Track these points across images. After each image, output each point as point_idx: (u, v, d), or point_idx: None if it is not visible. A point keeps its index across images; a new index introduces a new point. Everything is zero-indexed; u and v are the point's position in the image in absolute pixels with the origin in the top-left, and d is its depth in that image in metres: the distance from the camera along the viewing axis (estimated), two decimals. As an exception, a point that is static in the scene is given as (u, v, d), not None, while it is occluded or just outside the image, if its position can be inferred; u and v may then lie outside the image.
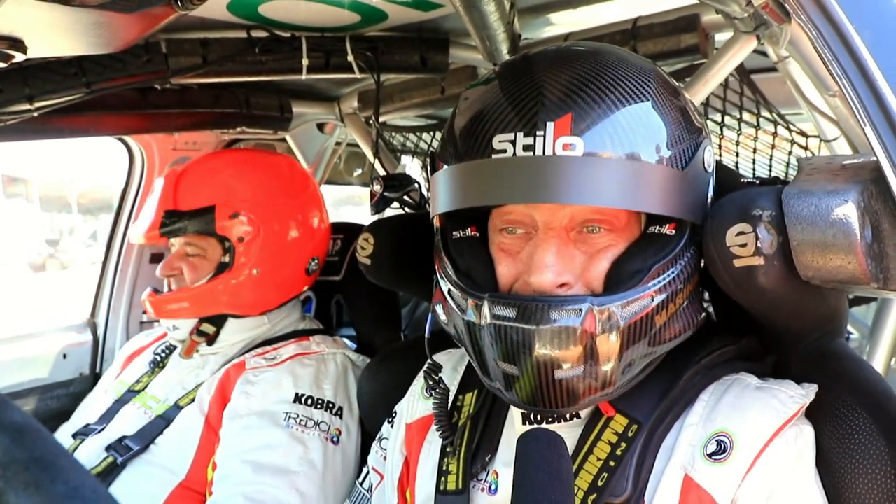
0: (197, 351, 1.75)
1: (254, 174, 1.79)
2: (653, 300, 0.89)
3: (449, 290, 0.98)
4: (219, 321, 1.73)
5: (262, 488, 1.40)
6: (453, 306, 0.97)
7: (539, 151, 0.84)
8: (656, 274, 0.89)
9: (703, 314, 0.98)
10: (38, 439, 0.42)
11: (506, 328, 0.87)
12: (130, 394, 1.74)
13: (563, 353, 0.86)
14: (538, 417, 1.00)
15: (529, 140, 0.85)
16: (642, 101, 0.89)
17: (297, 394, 1.56)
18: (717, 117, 1.96)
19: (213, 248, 1.70)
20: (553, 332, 0.85)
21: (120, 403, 1.72)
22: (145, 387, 1.74)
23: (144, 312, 1.79)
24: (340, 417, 1.58)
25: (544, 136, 0.84)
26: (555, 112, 0.85)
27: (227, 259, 1.70)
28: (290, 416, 1.51)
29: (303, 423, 1.52)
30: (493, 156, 0.87)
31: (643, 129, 0.88)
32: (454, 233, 1.01)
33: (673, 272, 0.91)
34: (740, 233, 0.87)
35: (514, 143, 0.86)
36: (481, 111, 0.92)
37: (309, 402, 1.56)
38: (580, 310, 0.85)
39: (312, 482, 1.45)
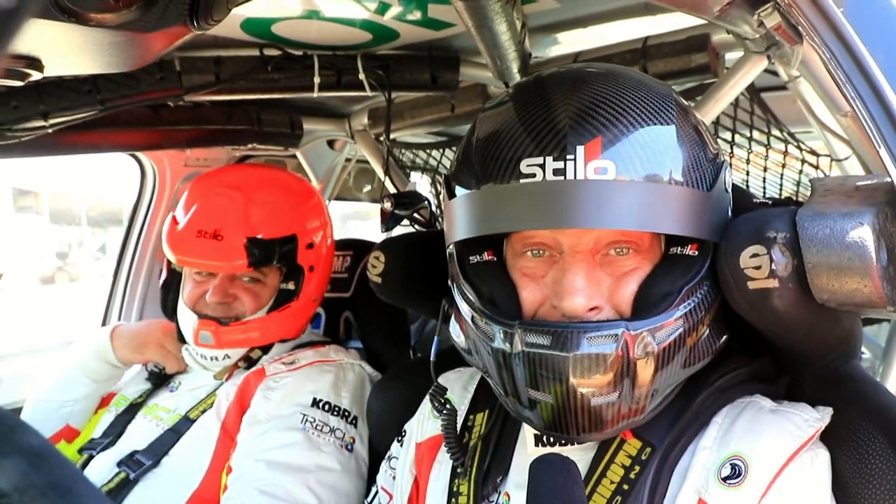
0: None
1: (310, 200, 1.78)
2: (685, 322, 0.88)
3: (473, 318, 0.97)
4: (267, 345, 1.72)
5: (276, 483, 1.40)
6: (479, 334, 0.95)
7: (570, 175, 0.84)
8: (687, 296, 0.89)
9: (726, 335, 0.97)
10: (56, 464, 0.42)
11: (539, 356, 0.86)
12: (133, 408, 1.73)
13: (597, 379, 0.85)
14: (551, 439, 0.99)
15: (560, 164, 0.84)
16: (668, 123, 0.89)
17: (315, 399, 1.56)
18: (728, 136, 1.96)
19: (274, 275, 1.68)
20: (589, 359, 0.84)
21: (124, 417, 1.71)
22: (144, 400, 1.73)
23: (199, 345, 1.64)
24: (355, 427, 1.58)
25: (575, 160, 0.84)
26: (584, 136, 0.85)
27: (291, 286, 1.68)
28: (307, 420, 1.51)
29: (319, 427, 1.52)
30: (522, 180, 0.86)
31: (671, 151, 0.88)
32: (471, 258, 1.00)
33: (701, 293, 0.91)
34: (755, 255, 0.86)
35: (543, 167, 0.85)
36: (504, 134, 0.91)
37: (326, 407, 1.56)
38: (616, 335, 0.84)
39: (325, 485, 1.45)
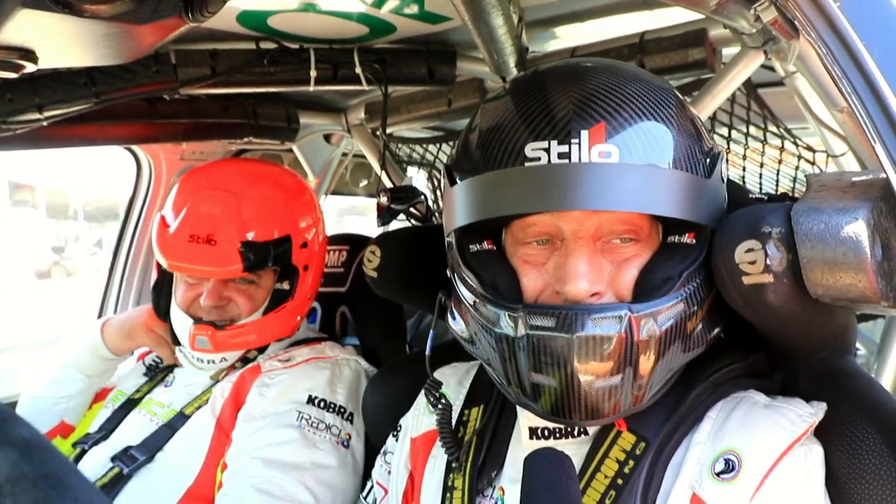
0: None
1: (302, 196, 1.76)
2: (686, 306, 0.90)
3: (474, 303, 0.97)
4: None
5: (272, 480, 1.40)
6: (481, 320, 0.95)
7: (575, 159, 0.85)
8: (687, 280, 0.90)
9: (719, 328, 0.97)
10: (47, 455, 0.42)
11: (544, 338, 0.86)
12: (130, 403, 1.72)
13: (602, 361, 0.85)
14: (546, 433, 0.99)
15: (564, 148, 0.85)
16: (668, 114, 0.91)
17: (310, 396, 1.55)
18: (724, 131, 1.96)
19: (268, 276, 1.66)
20: (594, 340, 0.85)
21: (121, 412, 1.70)
22: (144, 395, 1.73)
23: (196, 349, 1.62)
24: (351, 423, 1.58)
25: (579, 144, 0.85)
26: (588, 121, 0.86)
27: (286, 286, 1.66)
28: (302, 417, 1.51)
29: (315, 424, 1.51)
30: (526, 164, 0.87)
31: (671, 140, 0.89)
32: (471, 247, 1.00)
33: (700, 278, 0.92)
34: (749, 249, 0.87)
35: (548, 150, 0.86)
36: (507, 121, 0.92)
37: (322, 404, 1.55)
38: (620, 316, 0.85)
39: (322, 482, 1.45)
